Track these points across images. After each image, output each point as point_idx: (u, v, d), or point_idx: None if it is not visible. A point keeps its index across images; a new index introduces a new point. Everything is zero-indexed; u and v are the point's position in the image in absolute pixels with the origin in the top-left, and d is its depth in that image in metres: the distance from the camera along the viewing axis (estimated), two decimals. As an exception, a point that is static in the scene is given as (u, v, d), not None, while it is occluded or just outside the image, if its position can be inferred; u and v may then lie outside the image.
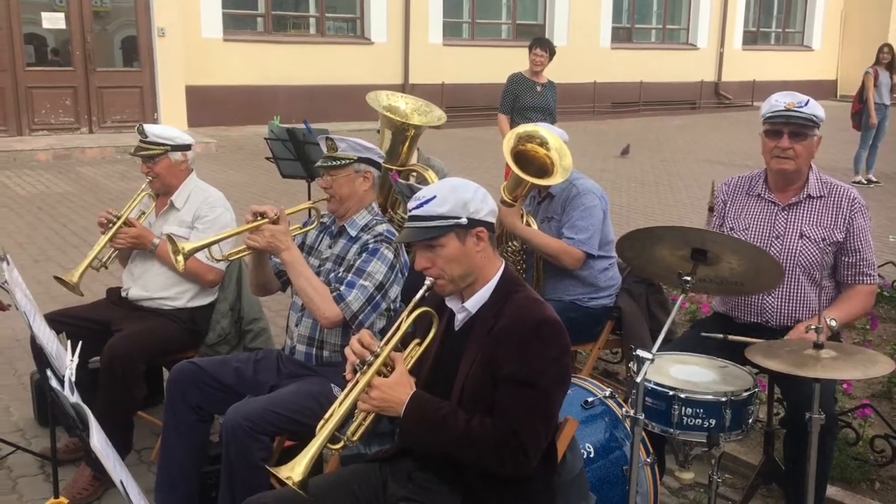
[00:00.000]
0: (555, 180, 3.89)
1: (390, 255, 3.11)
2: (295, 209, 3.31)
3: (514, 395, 2.19)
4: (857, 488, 3.60)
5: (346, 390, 2.26)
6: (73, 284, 3.69)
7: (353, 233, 3.21)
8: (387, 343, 2.30)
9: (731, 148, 14.25)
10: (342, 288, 3.05)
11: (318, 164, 3.25)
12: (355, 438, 2.27)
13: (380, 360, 2.25)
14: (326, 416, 2.23)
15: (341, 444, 2.25)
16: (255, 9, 15.38)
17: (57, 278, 3.76)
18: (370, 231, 3.18)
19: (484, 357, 2.25)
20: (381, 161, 3.29)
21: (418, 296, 2.35)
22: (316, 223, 3.35)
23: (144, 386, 3.64)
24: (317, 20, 15.93)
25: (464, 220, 2.28)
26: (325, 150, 3.22)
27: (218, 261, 3.35)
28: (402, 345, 2.37)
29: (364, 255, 3.11)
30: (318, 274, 3.21)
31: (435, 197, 2.29)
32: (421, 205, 2.30)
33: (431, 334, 2.37)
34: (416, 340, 2.39)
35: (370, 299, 3.06)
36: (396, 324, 2.35)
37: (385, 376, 2.26)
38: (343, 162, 3.17)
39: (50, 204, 8.99)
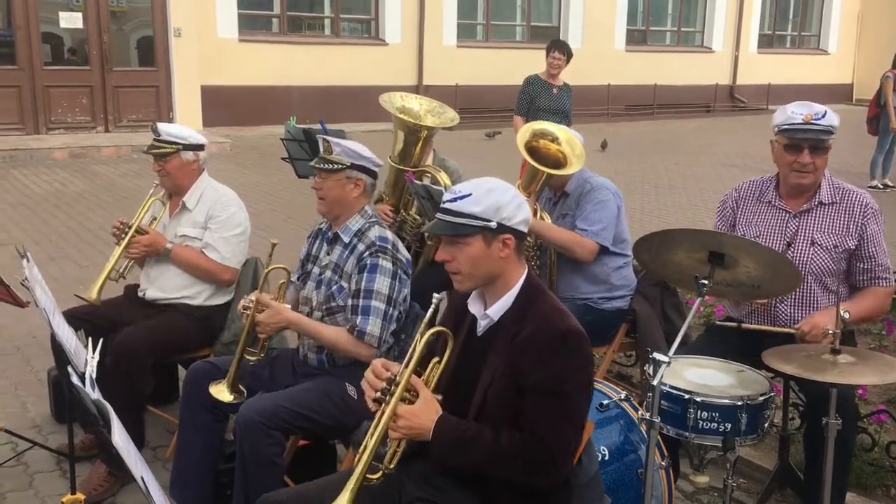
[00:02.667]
0: (571, 169, 3.91)
1: (389, 265, 3.11)
2: (264, 294, 3.19)
3: (542, 405, 2.18)
4: (873, 494, 3.58)
5: (374, 421, 2.27)
6: (93, 301, 3.72)
7: (346, 239, 3.21)
8: (405, 367, 2.29)
9: (745, 151, 14.19)
10: (358, 321, 3.06)
11: (312, 164, 3.27)
12: (392, 466, 2.27)
13: (400, 388, 2.25)
14: (360, 449, 2.25)
15: (380, 473, 2.25)
16: (271, 9, 15.43)
17: (77, 297, 3.79)
18: (363, 238, 3.17)
19: (507, 366, 2.24)
20: (376, 169, 3.27)
21: (427, 316, 2.34)
22: (287, 281, 3.31)
23: (152, 381, 3.64)
24: (332, 21, 15.97)
25: (493, 225, 2.25)
26: (321, 150, 3.23)
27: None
28: (421, 364, 2.35)
29: (365, 274, 3.10)
30: (319, 283, 3.23)
31: (471, 195, 2.27)
32: (455, 199, 2.28)
33: (449, 350, 2.35)
34: (436, 359, 2.38)
35: (385, 316, 3.08)
36: (412, 348, 2.33)
37: (410, 402, 2.26)
38: (335, 166, 3.17)
39: (66, 202, 9.05)
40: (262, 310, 3.13)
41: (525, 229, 2.34)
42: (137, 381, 3.56)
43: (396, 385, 2.25)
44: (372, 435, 2.24)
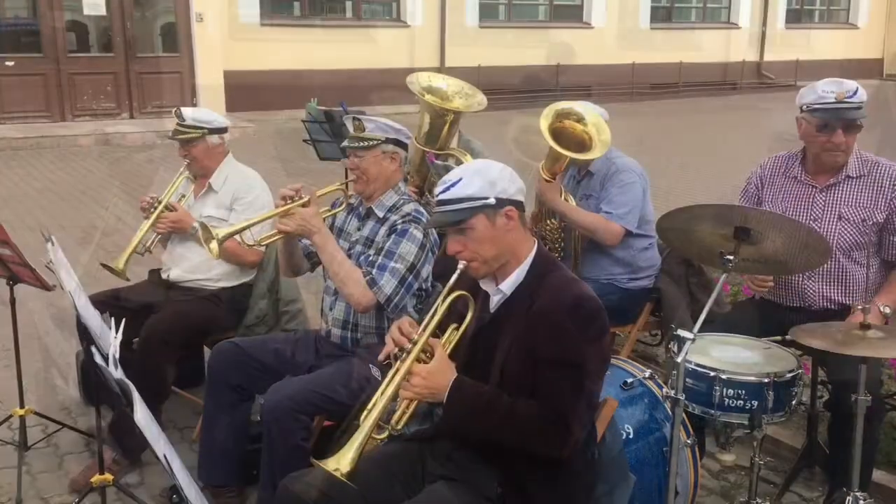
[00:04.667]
0: (593, 154, 3.83)
1: (419, 235, 3.10)
2: (325, 191, 3.30)
3: (556, 375, 2.17)
4: (903, 472, 3.53)
5: (387, 379, 2.25)
6: (119, 271, 3.74)
7: (380, 214, 3.21)
8: (424, 329, 2.28)
9: (774, 129, 13.92)
10: (374, 272, 3.05)
11: (345, 144, 3.24)
12: (400, 427, 2.26)
13: (418, 346, 2.24)
14: (369, 406, 2.22)
15: (386, 433, 2.25)
16: (292, -7, 15.45)
17: (103, 265, 3.81)
18: (398, 211, 3.17)
19: (522, 339, 2.23)
20: (408, 142, 3.27)
21: (452, 280, 2.33)
22: (344, 205, 3.35)
23: (174, 370, 3.65)
24: (353, 4, 15.93)
25: (492, 200, 2.26)
26: (351, 130, 3.20)
27: (250, 246, 3.35)
28: (440, 330, 2.35)
29: (393, 236, 3.10)
30: (348, 257, 3.21)
31: (461, 179, 2.28)
32: (447, 188, 2.29)
33: (468, 317, 2.35)
34: (454, 325, 2.37)
35: (402, 281, 3.06)
36: (433, 309, 2.33)
37: (425, 363, 2.25)
38: (370, 143, 3.15)
39: (92, 188, 9.14)
40: (307, 205, 3.06)
41: (522, 198, 2.34)
42: (164, 369, 3.57)
43: (414, 344, 2.24)
44: (382, 392, 2.23)
